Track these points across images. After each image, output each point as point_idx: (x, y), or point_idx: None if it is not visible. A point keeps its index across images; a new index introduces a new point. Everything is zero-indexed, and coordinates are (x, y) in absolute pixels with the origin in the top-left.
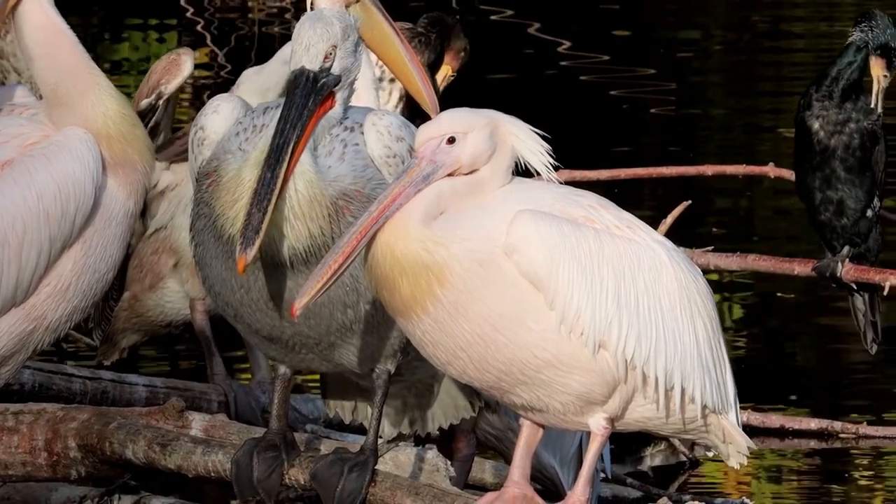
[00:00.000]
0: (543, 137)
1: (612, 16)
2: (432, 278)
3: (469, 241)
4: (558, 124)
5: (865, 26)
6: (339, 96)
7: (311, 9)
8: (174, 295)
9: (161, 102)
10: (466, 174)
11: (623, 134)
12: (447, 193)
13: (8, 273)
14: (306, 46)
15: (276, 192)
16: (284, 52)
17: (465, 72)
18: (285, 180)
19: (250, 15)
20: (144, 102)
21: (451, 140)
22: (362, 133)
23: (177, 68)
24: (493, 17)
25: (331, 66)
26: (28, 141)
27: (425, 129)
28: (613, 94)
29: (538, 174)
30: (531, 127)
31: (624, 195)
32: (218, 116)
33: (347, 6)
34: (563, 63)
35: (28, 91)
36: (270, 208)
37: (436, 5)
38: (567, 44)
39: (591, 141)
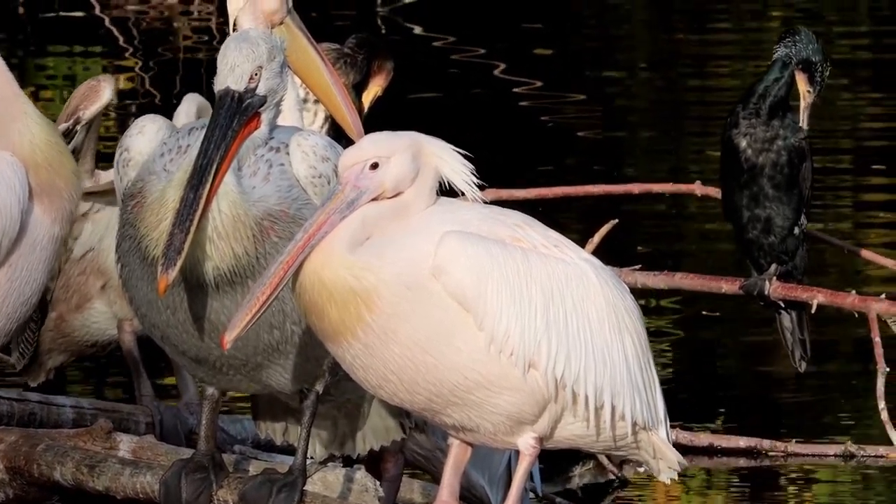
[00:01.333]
0: (466, 157)
1: (535, 35)
2: (361, 304)
3: (396, 264)
4: (483, 143)
5: (789, 41)
6: (265, 117)
7: (235, 30)
8: (100, 315)
9: (79, 128)
10: (391, 197)
11: (548, 153)
12: (373, 218)
13: None
14: (231, 67)
15: (199, 212)
16: (187, 108)
17: (389, 91)
18: (208, 201)
19: (175, 27)
20: (62, 127)
21: (374, 165)
22: (288, 153)
23: (96, 95)
24: (415, 32)
25: (256, 86)
26: None
27: (347, 154)
28: (538, 113)
29: (464, 194)
30: (454, 147)
31: (550, 214)
32: (143, 137)
33: (271, 28)
34: (487, 82)
35: None
36: (193, 229)
37: (361, 24)
38: (492, 62)
39: (516, 160)
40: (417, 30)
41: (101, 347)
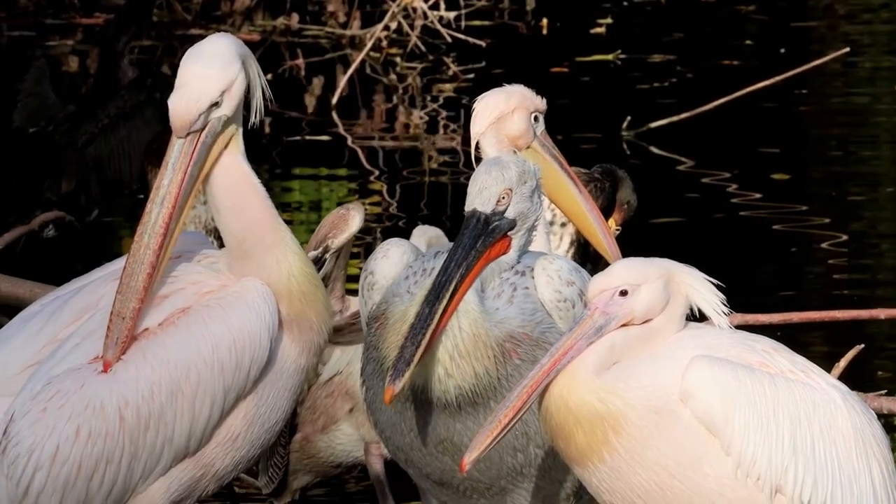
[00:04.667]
0: (717, 286)
1: (770, 159)
2: (608, 428)
3: (644, 388)
4: (725, 268)
5: None
6: (515, 242)
7: (477, 153)
8: (346, 438)
9: (328, 256)
10: (639, 324)
11: (791, 277)
12: (620, 344)
13: (181, 423)
14: (480, 189)
15: (432, 327)
16: (416, 241)
17: (631, 219)
18: (444, 317)
19: (420, 149)
20: (311, 255)
21: (624, 292)
22: (532, 277)
23: (345, 223)
24: (658, 155)
25: (504, 209)
26: (204, 289)
27: (598, 280)
28: (780, 238)
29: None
30: (705, 276)
31: (794, 339)
32: (388, 261)
33: (516, 151)
34: (729, 207)
35: (206, 239)
36: (424, 342)
37: (606, 147)
38: (732, 186)
39: (759, 285)
40: (659, 153)
41: (345, 469)
